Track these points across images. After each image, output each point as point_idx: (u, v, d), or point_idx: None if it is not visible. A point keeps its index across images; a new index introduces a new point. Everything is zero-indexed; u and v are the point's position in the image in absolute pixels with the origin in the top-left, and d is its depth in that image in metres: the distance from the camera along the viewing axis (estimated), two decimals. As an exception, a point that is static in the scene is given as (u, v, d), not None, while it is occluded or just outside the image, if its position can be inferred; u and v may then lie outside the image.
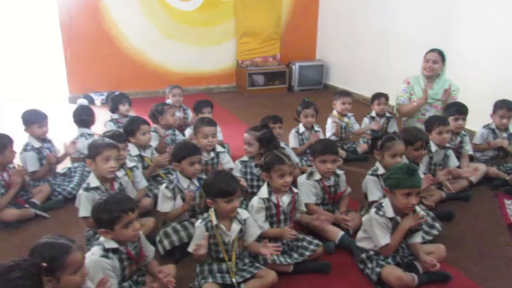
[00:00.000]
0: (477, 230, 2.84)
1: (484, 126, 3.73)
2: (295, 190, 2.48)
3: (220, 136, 3.96)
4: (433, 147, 3.22)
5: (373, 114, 4.23)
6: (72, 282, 1.62)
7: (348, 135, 4.17)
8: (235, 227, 2.16)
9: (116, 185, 2.54)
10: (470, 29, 4.63)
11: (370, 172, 2.75)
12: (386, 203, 2.22)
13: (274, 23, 7.13)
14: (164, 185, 2.58)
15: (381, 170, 2.69)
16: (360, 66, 6.63)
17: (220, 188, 2.08)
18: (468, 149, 3.58)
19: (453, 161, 3.30)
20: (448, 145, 3.30)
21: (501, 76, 4.33)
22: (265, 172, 2.42)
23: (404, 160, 2.82)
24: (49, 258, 1.53)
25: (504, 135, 3.65)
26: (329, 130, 4.02)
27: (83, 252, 1.70)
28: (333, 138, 3.99)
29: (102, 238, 1.95)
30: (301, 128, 3.76)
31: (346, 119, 4.11)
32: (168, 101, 3.58)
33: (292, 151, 3.50)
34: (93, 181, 2.46)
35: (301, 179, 2.75)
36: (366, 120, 4.23)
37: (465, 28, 4.70)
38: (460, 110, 3.47)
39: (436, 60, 3.87)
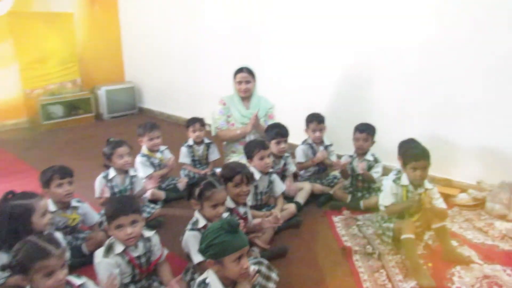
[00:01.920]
0: (313, 264, 2.57)
1: (302, 142, 3.63)
2: (77, 282, 1.70)
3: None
4: (257, 175, 2.89)
5: (190, 142, 3.72)
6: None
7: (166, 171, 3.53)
8: None
9: None
10: (281, 44, 4.57)
11: (189, 226, 2.18)
12: (212, 278, 1.68)
13: (67, 44, 6.02)
14: None
15: (202, 222, 2.15)
16: (173, 87, 6.14)
17: None
18: (292, 169, 3.39)
19: (279, 186, 3.04)
20: (271, 170, 3.03)
21: (316, 87, 4.32)
22: (21, 274, 1.59)
23: (228, 202, 2.37)
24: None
25: (321, 148, 3.59)
26: (141, 170, 3.31)
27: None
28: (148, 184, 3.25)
29: None
30: (111, 173, 2.96)
31: (158, 155, 3.48)
32: None
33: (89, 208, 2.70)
34: None
35: (97, 257, 1.98)
36: (183, 149, 3.70)
37: (275, 44, 4.63)
38: (281, 132, 3.25)
39: (248, 80, 3.63)
